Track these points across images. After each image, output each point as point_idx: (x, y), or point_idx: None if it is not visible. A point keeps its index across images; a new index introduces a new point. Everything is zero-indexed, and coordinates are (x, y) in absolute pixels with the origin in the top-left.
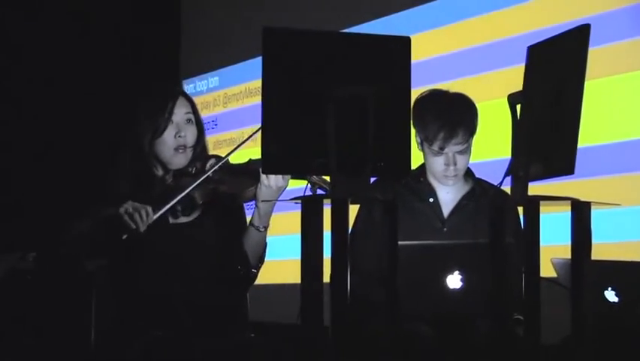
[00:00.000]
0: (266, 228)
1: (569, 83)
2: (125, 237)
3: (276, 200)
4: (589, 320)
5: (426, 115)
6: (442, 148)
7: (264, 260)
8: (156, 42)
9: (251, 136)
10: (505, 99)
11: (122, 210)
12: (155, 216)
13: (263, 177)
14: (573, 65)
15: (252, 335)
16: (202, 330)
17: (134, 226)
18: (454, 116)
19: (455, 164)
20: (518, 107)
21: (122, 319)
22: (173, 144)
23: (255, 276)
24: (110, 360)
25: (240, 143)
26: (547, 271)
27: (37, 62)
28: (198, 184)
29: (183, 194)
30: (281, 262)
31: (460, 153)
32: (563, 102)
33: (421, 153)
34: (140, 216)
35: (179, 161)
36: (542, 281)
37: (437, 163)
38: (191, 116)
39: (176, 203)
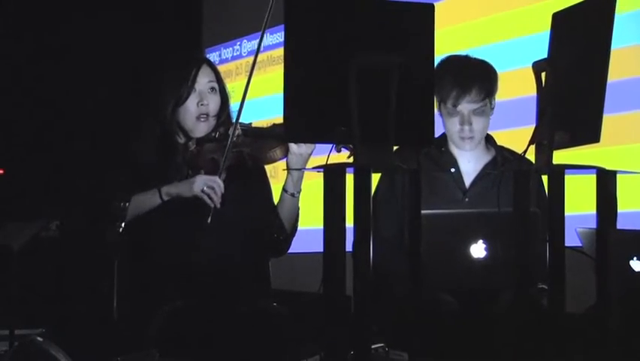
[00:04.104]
0: (299, 193)
1: (595, 50)
2: (209, 220)
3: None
4: (614, 290)
5: (442, 76)
6: (454, 105)
7: (296, 230)
8: (179, 10)
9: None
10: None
11: (197, 188)
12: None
13: (293, 145)
14: (599, 32)
15: (275, 303)
16: (224, 298)
17: (213, 205)
18: (468, 73)
19: (470, 124)
20: (543, 74)
21: (144, 287)
22: (195, 112)
23: (288, 246)
24: (132, 329)
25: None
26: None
27: (57, 32)
28: (222, 148)
29: (226, 152)
30: (303, 231)
31: (476, 113)
32: (588, 70)
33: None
34: (216, 193)
35: (201, 129)
36: (567, 251)
37: (452, 124)
38: (215, 85)
39: (198, 167)
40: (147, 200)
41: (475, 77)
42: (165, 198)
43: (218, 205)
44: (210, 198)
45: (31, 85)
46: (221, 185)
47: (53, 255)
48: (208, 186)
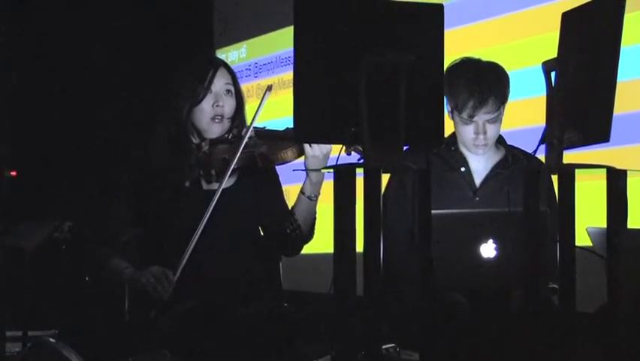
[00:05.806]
0: (317, 197)
1: (605, 49)
2: (153, 315)
3: (326, 168)
4: (625, 289)
5: (456, 83)
6: (471, 117)
7: (313, 233)
8: (189, 11)
9: (265, 95)
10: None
11: (144, 280)
12: (219, 189)
13: (307, 147)
14: (609, 31)
15: (285, 304)
16: (235, 299)
17: (158, 298)
18: (484, 84)
19: (485, 132)
20: (553, 74)
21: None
22: (210, 112)
23: (301, 247)
24: (143, 329)
25: (259, 103)
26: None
27: (71, 34)
28: (234, 149)
29: (238, 153)
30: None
31: (490, 121)
32: (598, 69)
33: (452, 123)
34: (163, 286)
35: (215, 130)
36: (577, 250)
37: (467, 132)
38: (231, 87)
39: (209, 167)
40: (112, 269)
41: (490, 87)
42: (122, 281)
43: (165, 298)
44: (155, 290)
45: (43, 87)
46: (172, 280)
47: (66, 256)
48: (155, 277)
